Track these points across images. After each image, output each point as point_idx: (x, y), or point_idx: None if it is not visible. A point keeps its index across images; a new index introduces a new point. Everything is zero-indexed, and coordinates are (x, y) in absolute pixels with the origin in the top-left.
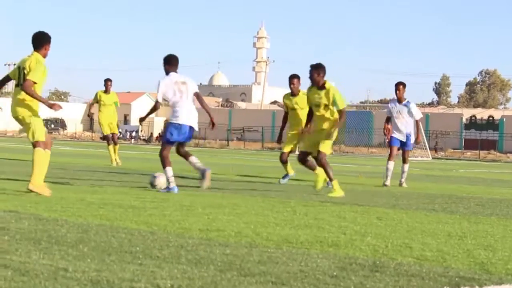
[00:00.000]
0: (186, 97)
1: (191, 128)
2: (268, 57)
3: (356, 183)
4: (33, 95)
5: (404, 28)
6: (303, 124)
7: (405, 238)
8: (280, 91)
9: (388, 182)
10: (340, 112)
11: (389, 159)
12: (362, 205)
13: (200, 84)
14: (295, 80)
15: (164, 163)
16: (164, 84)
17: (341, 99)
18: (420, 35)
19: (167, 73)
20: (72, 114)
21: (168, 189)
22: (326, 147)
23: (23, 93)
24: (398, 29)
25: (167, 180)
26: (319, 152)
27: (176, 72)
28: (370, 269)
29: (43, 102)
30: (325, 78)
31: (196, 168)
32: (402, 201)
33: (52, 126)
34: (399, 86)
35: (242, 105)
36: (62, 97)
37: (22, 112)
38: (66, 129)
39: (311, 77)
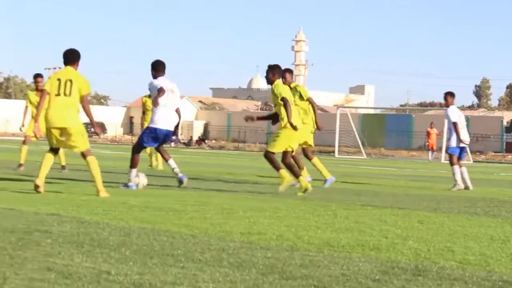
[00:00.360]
0: (171, 104)
1: (169, 131)
2: (306, 61)
3: (397, 187)
4: (89, 111)
5: (444, 31)
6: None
7: (447, 242)
8: (319, 95)
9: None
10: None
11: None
12: (403, 209)
13: (240, 87)
14: (287, 74)
15: (133, 163)
16: (163, 84)
17: (282, 93)
18: (460, 38)
19: (154, 77)
20: (112, 117)
21: (126, 186)
22: (270, 146)
23: (72, 104)
24: (438, 32)
25: (129, 179)
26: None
27: (163, 77)
28: (412, 273)
29: (92, 120)
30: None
31: (174, 172)
32: (444, 205)
33: (92, 130)
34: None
35: None
36: (102, 100)
37: (71, 122)
38: (106, 133)
39: (266, 77)
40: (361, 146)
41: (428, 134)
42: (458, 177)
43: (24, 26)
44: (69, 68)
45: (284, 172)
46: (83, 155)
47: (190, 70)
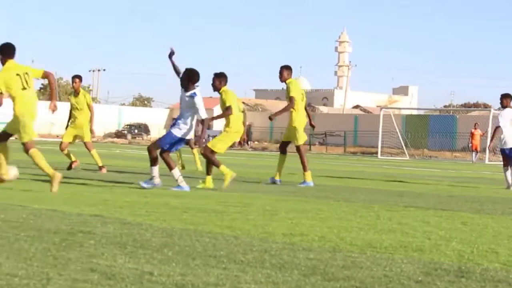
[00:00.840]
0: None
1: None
2: (350, 61)
3: (440, 188)
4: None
5: (488, 32)
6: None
7: (491, 243)
8: (362, 96)
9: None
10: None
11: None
12: (446, 210)
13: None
14: (284, 71)
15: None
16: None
17: (229, 102)
18: (506, 39)
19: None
20: (155, 119)
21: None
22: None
23: (36, 95)
24: (482, 32)
25: (176, 179)
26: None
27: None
28: (455, 275)
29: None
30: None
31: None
32: (487, 206)
33: (136, 131)
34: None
35: (324, 109)
36: (146, 102)
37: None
38: (149, 134)
39: (213, 84)
40: (404, 147)
41: (472, 135)
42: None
43: (71, 28)
44: (14, 61)
45: (224, 167)
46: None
47: (234, 72)
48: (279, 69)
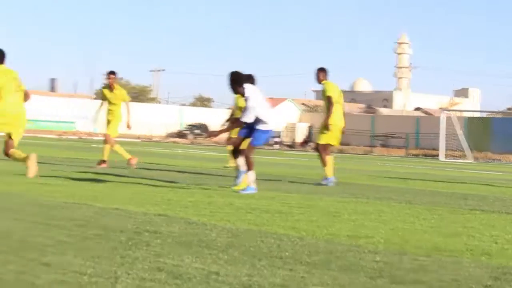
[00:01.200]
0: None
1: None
2: (410, 63)
3: (505, 191)
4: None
5: None
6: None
7: None
8: (423, 97)
9: None
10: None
11: None
12: (511, 214)
13: (342, 90)
14: (320, 73)
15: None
16: None
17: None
18: None
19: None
20: (215, 119)
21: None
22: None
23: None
24: None
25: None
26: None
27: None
28: None
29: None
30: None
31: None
32: None
33: (197, 131)
34: None
35: (384, 111)
36: (206, 102)
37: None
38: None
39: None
40: (467, 149)
41: None
42: None
43: (130, 29)
44: (4, 66)
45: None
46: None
47: (293, 73)
48: (315, 71)
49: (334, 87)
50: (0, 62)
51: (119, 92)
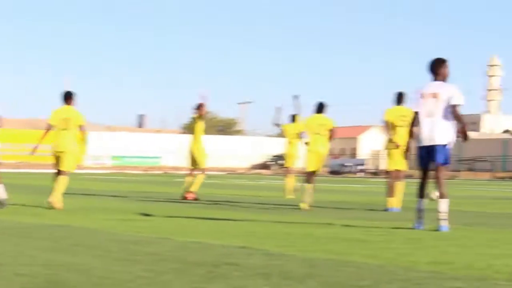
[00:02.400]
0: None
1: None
2: (500, 85)
3: None
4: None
5: None
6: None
7: None
8: None
9: None
10: None
11: None
12: None
13: None
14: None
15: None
16: None
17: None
18: None
19: None
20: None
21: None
22: None
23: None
24: None
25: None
26: None
27: None
28: None
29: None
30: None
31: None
32: None
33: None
34: None
35: (472, 134)
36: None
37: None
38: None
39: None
40: None
41: None
42: None
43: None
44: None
45: None
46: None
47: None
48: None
49: (392, 111)
50: (67, 103)
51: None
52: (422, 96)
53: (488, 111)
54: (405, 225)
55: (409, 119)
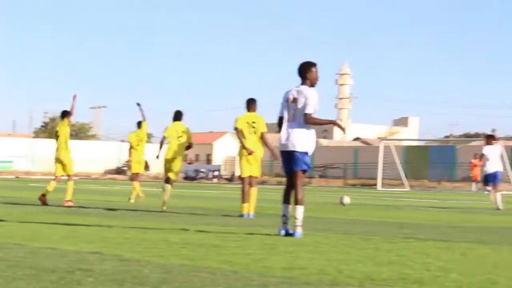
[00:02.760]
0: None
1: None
2: (351, 94)
3: (440, 219)
4: None
5: (488, 59)
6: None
7: (491, 274)
8: (363, 127)
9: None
10: None
11: None
12: (446, 241)
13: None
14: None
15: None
16: None
17: None
18: (503, 67)
19: None
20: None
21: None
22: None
23: None
24: (481, 60)
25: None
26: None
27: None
28: None
29: None
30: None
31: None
32: (487, 236)
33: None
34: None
35: (323, 141)
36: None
37: None
38: (149, 170)
39: None
40: (404, 178)
41: (473, 165)
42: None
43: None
44: None
45: None
46: None
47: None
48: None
49: (243, 118)
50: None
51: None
52: (286, 100)
53: (339, 119)
54: (259, 230)
55: (259, 125)
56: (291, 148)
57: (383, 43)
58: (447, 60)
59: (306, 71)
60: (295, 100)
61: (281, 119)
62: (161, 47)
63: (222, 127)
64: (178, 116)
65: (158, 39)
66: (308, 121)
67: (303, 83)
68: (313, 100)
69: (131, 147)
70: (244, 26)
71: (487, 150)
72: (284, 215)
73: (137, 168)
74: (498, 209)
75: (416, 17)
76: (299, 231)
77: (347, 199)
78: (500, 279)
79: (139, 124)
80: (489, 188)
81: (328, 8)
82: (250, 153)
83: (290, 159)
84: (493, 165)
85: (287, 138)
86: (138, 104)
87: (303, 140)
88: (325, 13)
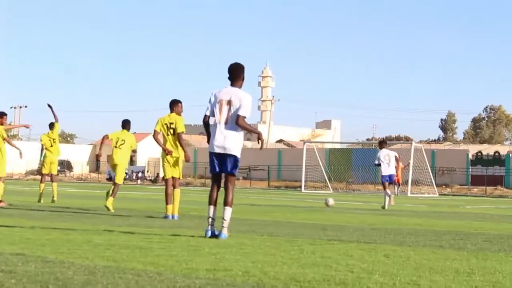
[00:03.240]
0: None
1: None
2: (273, 96)
3: (363, 221)
4: None
5: (409, 65)
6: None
7: (413, 276)
8: (286, 130)
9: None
10: None
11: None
12: (369, 243)
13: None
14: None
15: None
16: None
17: None
18: (426, 72)
19: None
20: (78, 155)
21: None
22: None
23: None
24: (403, 66)
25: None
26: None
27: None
28: None
29: None
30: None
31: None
32: (410, 238)
33: (58, 168)
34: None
35: (247, 144)
36: (69, 139)
37: None
38: (72, 171)
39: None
40: (327, 180)
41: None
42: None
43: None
44: None
45: None
46: None
47: (157, 107)
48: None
49: (163, 119)
50: None
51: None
52: (218, 102)
53: (262, 122)
54: (184, 232)
55: (178, 126)
56: (228, 152)
57: (306, 46)
58: (369, 64)
59: (241, 72)
60: (229, 103)
61: (205, 118)
62: (87, 46)
63: (146, 128)
64: (125, 124)
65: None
66: (239, 122)
67: (235, 85)
68: (248, 103)
69: (43, 148)
70: (166, 27)
71: (382, 154)
72: (211, 217)
73: (52, 169)
74: (384, 208)
75: (338, 20)
76: (225, 232)
77: (331, 201)
78: (421, 280)
79: (51, 126)
80: (389, 191)
81: (252, 10)
82: (168, 153)
83: (223, 162)
84: (389, 168)
85: (223, 141)
86: (50, 106)
87: (239, 144)
88: (248, 14)
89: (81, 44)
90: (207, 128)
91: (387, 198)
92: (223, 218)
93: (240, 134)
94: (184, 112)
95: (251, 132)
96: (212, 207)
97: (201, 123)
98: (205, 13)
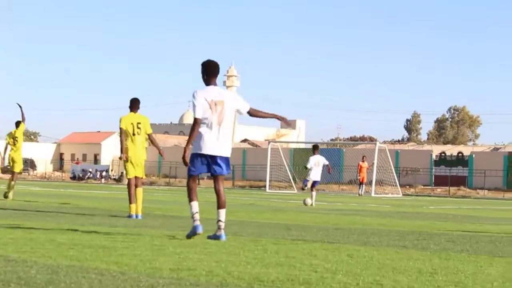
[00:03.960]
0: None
1: None
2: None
3: (327, 221)
4: None
5: (374, 65)
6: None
7: (376, 275)
8: (250, 129)
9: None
10: None
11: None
12: (333, 243)
13: (171, 123)
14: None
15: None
16: None
17: None
18: (391, 72)
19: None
20: (42, 154)
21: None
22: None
23: None
24: (368, 66)
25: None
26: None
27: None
28: None
29: None
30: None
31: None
32: (373, 238)
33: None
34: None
35: None
36: (32, 137)
37: None
38: (36, 169)
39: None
40: (292, 180)
41: (360, 167)
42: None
43: None
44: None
45: None
46: None
47: (121, 106)
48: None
49: (127, 118)
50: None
51: None
52: (210, 102)
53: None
54: (148, 231)
55: (145, 126)
56: (223, 154)
57: (271, 46)
58: (334, 64)
59: (215, 71)
60: (222, 103)
61: (197, 120)
62: (58, 44)
63: (109, 126)
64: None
65: (41, 36)
66: (253, 112)
67: (214, 82)
68: (241, 97)
69: (6, 146)
70: (130, 25)
71: (313, 160)
72: (197, 212)
73: (15, 167)
74: (305, 203)
75: (302, 20)
76: (224, 233)
77: (309, 200)
78: (384, 280)
79: (17, 124)
80: (314, 193)
81: (217, 8)
82: (122, 158)
83: (217, 163)
84: (317, 173)
85: (219, 143)
86: (19, 105)
87: (229, 143)
88: (213, 13)
89: (50, 40)
90: (196, 129)
91: (314, 194)
92: (220, 220)
93: (231, 133)
94: (150, 112)
95: (267, 117)
96: (196, 202)
97: (166, 122)
98: (173, 12)
